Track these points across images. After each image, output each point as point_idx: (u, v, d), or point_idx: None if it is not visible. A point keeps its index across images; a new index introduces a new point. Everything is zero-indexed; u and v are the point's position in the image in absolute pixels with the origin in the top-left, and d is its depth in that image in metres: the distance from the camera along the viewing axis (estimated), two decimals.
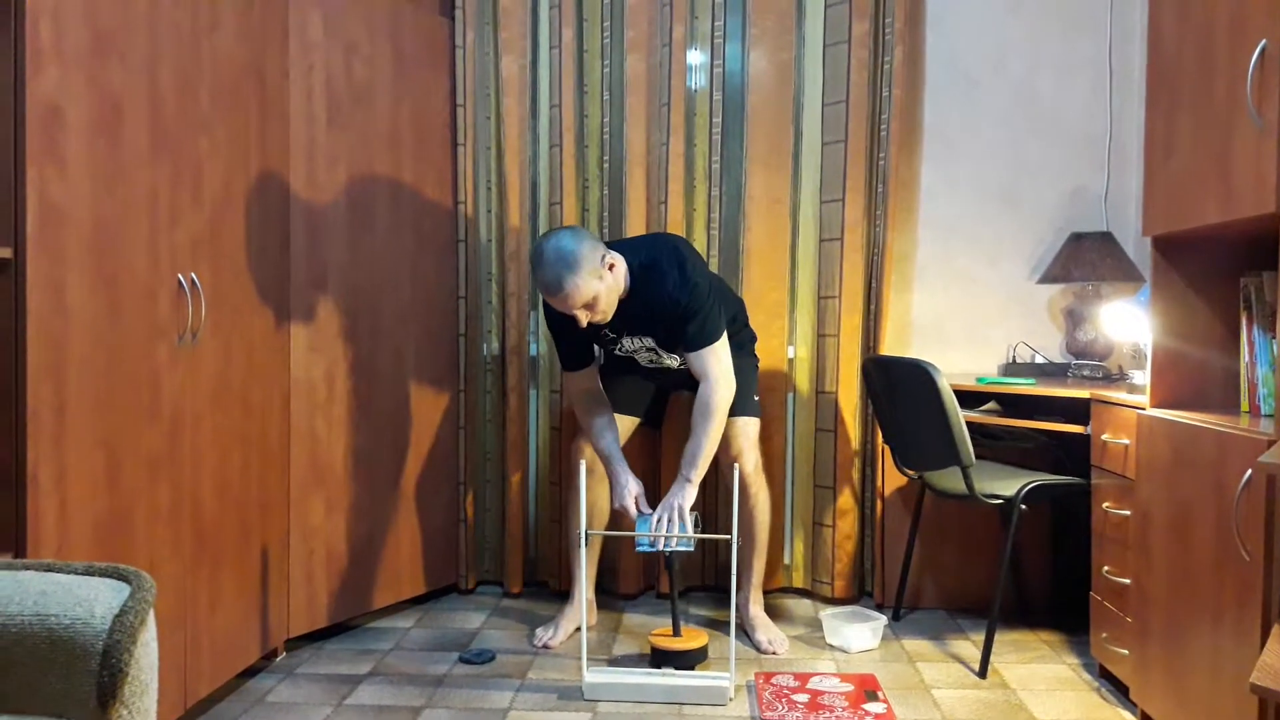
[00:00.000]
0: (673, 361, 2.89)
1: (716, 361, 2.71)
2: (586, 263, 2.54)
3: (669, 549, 2.68)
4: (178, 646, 2.25)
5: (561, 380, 3.38)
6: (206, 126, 2.33)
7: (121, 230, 2.00)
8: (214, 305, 2.37)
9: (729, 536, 2.67)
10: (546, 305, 2.84)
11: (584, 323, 2.63)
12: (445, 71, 3.35)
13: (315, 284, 2.86)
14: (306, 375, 2.85)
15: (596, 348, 2.92)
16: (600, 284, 2.58)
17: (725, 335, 2.75)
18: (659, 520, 2.67)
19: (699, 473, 2.72)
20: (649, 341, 2.83)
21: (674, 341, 2.78)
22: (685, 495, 2.70)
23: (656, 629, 2.99)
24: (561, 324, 2.78)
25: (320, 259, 2.87)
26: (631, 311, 2.73)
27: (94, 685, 1.35)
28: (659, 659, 2.76)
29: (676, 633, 2.80)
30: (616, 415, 2.99)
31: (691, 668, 2.74)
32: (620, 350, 2.90)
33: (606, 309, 2.64)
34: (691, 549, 2.69)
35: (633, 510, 2.75)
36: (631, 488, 2.78)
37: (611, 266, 2.62)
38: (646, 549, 2.70)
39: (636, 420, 3.08)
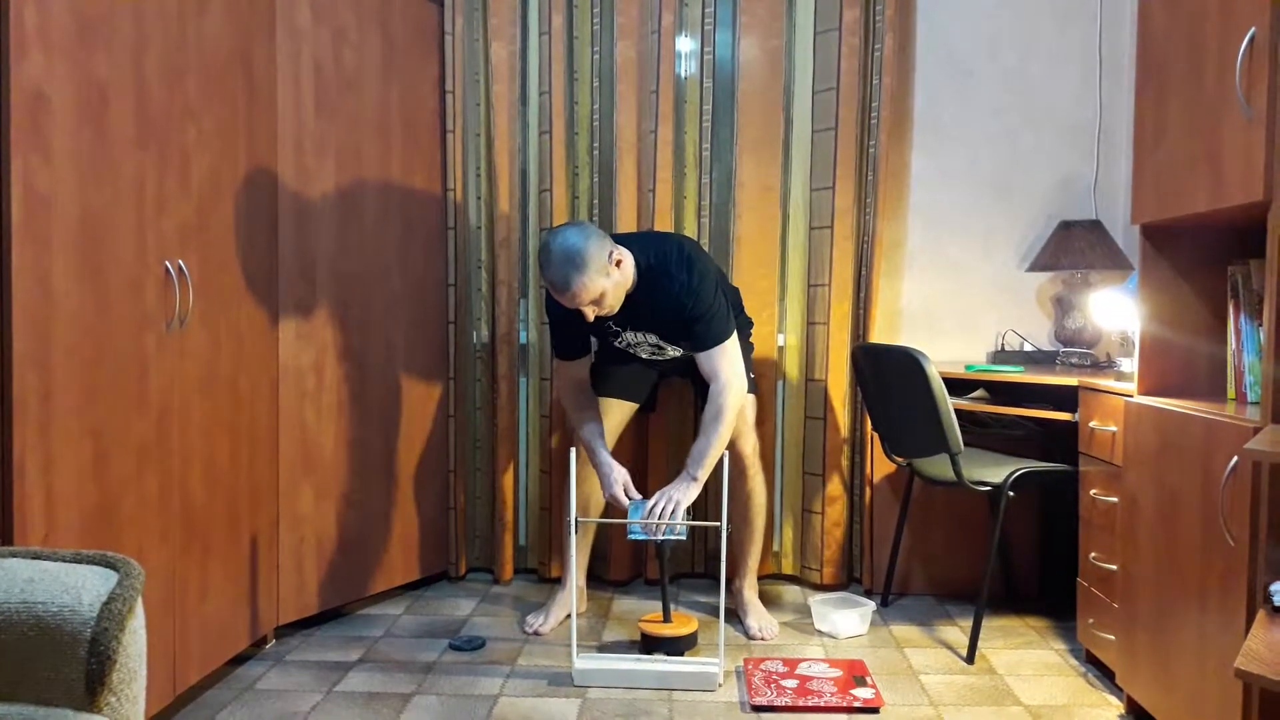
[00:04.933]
0: (676, 351, 2.88)
1: (728, 362, 2.71)
2: (594, 260, 2.53)
3: (661, 538, 2.68)
4: (166, 634, 2.25)
5: (552, 367, 3.38)
6: (194, 114, 2.31)
7: (108, 218, 1.99)
8: (202, 293, 2.36)
9: (719, 523, 2.68)
10: (549, 295, 2.83)
11: (591, 318, 2.63)
12: (434, 58, 3.33)
13: (304, 271, 2.85)
14: (295, 363, 2.84)
15: (593, 339, 2.91)
16: (607, 280, 2.58)
17: (735, 334, 2.75)
18: (654, 508, 2.66)
19: (705, 472, 2.70)
20: (652, 337, 2.82)
21: (679, 339, 2.78)
22: (688, 493, 2.67)
23: (646, 614, 3.00)
24: (563, 314, 2.77)
25: (309, 246, 2.86)
26: (637, 308, 2.72)
27: (82, 673, 1.35)
28: (649, 645, 2.77)
29: (667, 619, 2.81)
30: (617, 401, 2.98)
31: (681, 653, 2.75)
32: (621, 343, 2.89)
33: (614, 304, 2.64)
34: (684, 538, 2.69)
35: (622, 499, 2.74)
36: (617, 476, 2.77)
37: (619, 263, 2.61)
38: (640, 537, 2.69)
39: (635, 406, 3.07)
